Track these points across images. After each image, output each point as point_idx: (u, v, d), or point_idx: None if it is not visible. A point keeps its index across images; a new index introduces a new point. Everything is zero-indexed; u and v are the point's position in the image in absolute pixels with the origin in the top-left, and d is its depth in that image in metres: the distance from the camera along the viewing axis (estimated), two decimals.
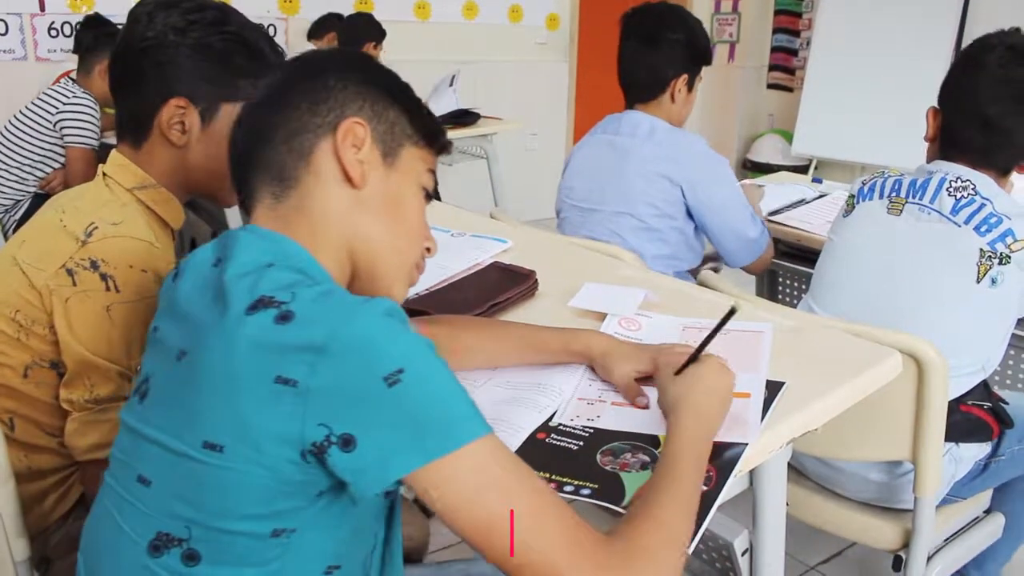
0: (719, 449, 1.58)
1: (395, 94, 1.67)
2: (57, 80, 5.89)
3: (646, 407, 1.75)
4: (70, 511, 2.16)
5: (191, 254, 1.68)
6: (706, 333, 1.74)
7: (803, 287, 3.91)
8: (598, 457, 1.63)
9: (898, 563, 2.43)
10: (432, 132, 1.71)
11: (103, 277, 1.98)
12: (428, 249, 1.74)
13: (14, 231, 5.10)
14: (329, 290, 1.46)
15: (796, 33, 9.62)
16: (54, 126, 5.44)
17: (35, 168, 5.49)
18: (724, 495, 1.51)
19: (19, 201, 5.51)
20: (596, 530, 1.35)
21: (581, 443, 1.68)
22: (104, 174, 2.17)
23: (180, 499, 1.46)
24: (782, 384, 1.75)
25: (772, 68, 9.87)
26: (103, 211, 2.06)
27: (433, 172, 1.73)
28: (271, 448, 1.36)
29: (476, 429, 1.36)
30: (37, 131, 5.43)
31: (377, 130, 1.62)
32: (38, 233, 2.14)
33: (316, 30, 6.89)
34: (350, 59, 1.70)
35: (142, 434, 1.54)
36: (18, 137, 5.45)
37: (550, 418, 1.76)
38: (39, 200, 5.35)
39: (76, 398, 2.02)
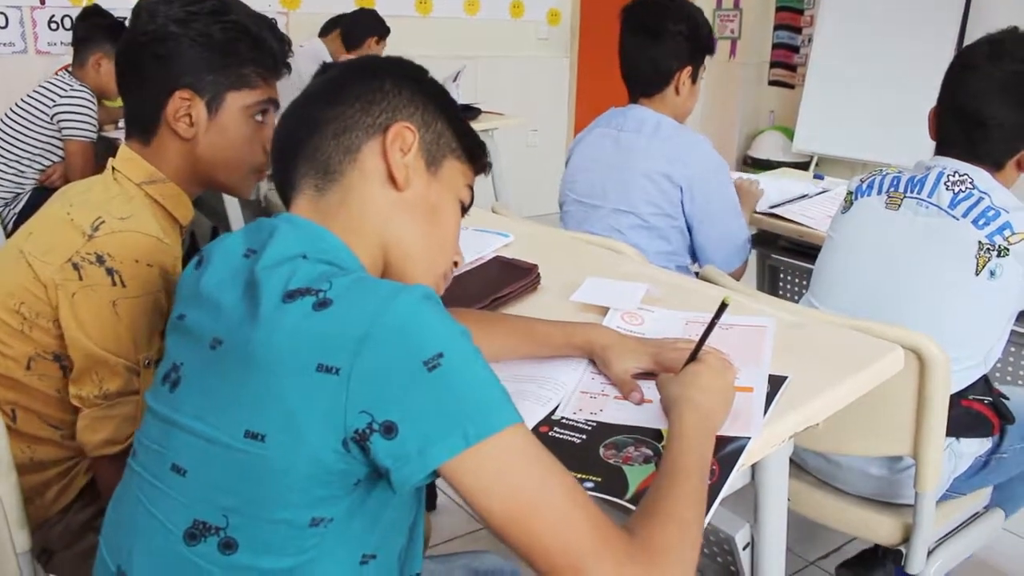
0: (722, 443, 1.58)
1: (444, 107, 1.69)
2: (56, 73, 5.78)
3: (639, 403, 1.75)
4: (71, 503, 2.14)
5: (216, 242, 1.67)
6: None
7: (804, 283, 3.90)
8: (601, 451, 1.62)
9: (898, 558, 2.43)
10: (475, 150, 1.73)
11: (109, 272, 1.95)
12: (456, 263, 1.75)
13: (14, 225, 5.13)
14: (363, 277, 1.47)
15: (798, 30, 9.58)
16: (51, 119, 5.37)
17: (33, 161, 5.42)
18: (726, 489, 1.51)
19: (19, 195, 5.44)
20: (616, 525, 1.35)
21: (584, 436, 1.67)
22: (113, 168, 2.14)
23: (218, 488, 1.45)
24: (784, 379, 1.74)
25: (773, 65, 9.82)
26: (111, 205, 2.04)
27: (471, 188, 1.74)
28: (313, 437, 1.35)
29: (511, 416, 1.35)
30: (34, 124, 5.36)
31: (425, 138, 1.64)
32: (45, 225, 2.12)
33: (328, 29, 6.89)
34: (407, 67, 1.72)
35: (175, 423, 1.53)
36: (14, 130, 5.37)
37: (552, 411, 1.76)
38: (39, 194, 5.35)
39: (86, 394, 2.00)
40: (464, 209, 1.74)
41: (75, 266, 1.95)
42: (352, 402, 1.32)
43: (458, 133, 1.70)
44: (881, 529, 2.48)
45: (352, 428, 1.33)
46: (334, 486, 1.39)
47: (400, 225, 1.63)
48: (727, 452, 1.57)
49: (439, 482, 1.39)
